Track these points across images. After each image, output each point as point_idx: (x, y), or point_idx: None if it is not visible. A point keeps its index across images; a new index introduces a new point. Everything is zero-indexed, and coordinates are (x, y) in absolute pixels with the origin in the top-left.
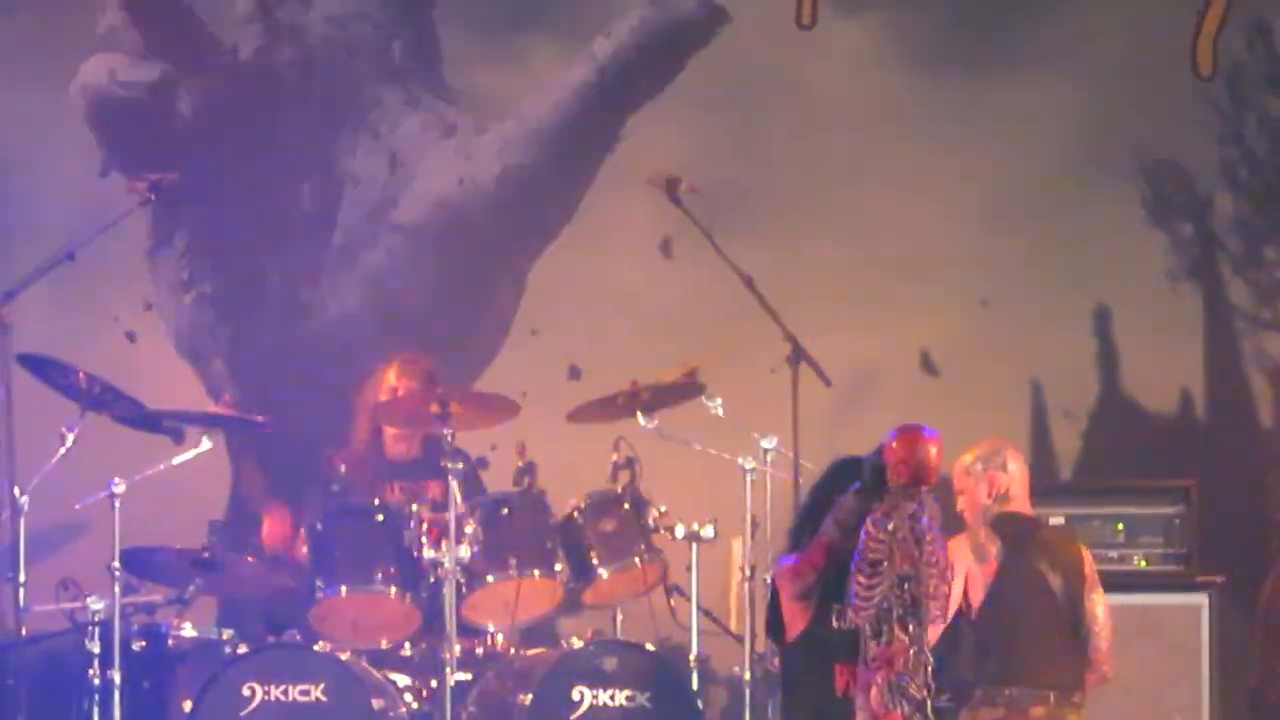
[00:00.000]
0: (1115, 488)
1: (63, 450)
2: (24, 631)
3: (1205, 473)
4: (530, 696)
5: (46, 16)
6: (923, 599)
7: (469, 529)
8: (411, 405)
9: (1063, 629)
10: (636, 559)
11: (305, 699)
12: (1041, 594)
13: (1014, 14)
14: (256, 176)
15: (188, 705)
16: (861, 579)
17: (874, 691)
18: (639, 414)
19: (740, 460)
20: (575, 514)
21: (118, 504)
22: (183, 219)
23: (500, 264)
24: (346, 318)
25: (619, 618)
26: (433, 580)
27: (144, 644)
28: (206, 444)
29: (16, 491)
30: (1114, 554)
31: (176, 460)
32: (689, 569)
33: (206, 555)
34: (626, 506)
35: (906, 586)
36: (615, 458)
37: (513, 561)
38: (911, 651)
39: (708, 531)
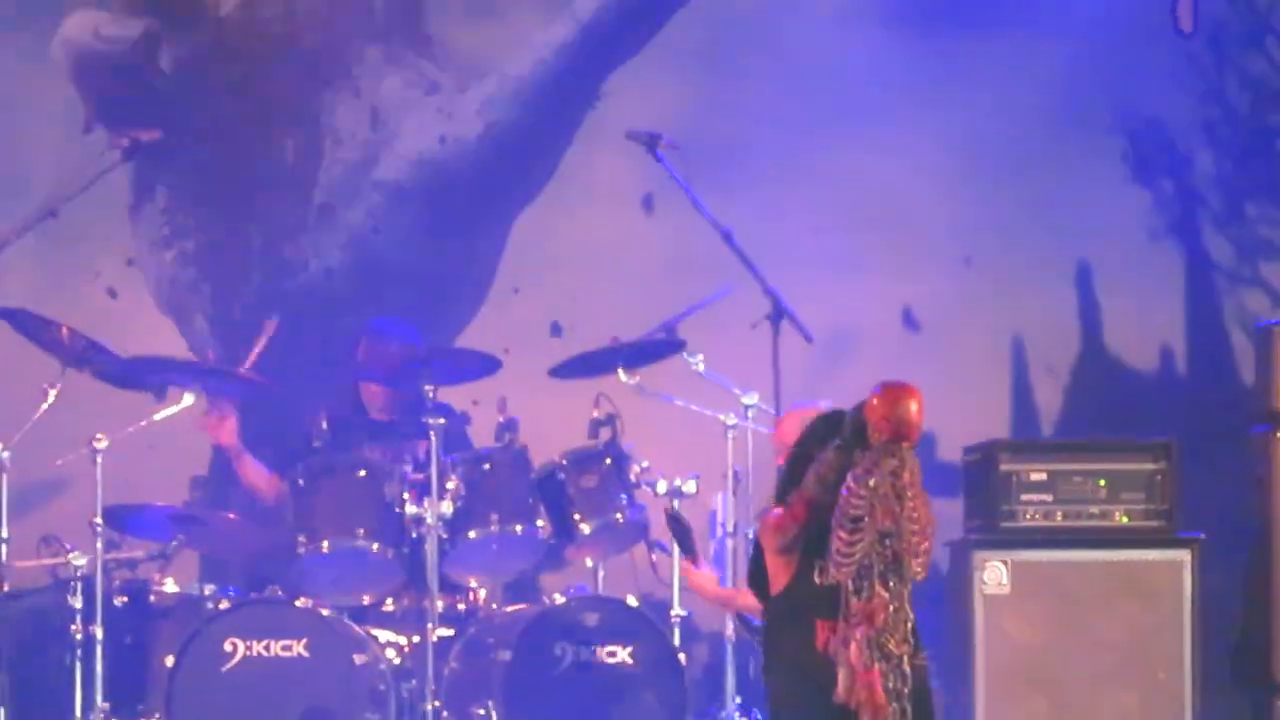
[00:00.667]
0: (1097, 444)
1: (44, 406)
2: (5, 587)
3: (1187, 429)
4: (511, 652)
5: None
6: (904, 555)
7: (451, 485)
8: (394, 362)
9: None
10: (618, 514)
11: (287, 654)
12: None
13: None
14: (238, 133)
15: (169, 661)
16: (843, 535)
17: (854, 647)
18: (620, 370)
19: (721, 416)
20: (557, 470)
21: (100, 460)
22: (164, 175)
23: (481, 222)
24: (328, 274)
25: (600, 573)
26: (415, 536)
27: (126, 599)
28: (189, 400)
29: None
30: (1095, 510)
31: (159, 416)
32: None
33: (188, 511)
34: (608, 462)
35: (888, 543)
36: (596, 414)
37: (494, 517)
38: (892, 608)
39: (690, 487)
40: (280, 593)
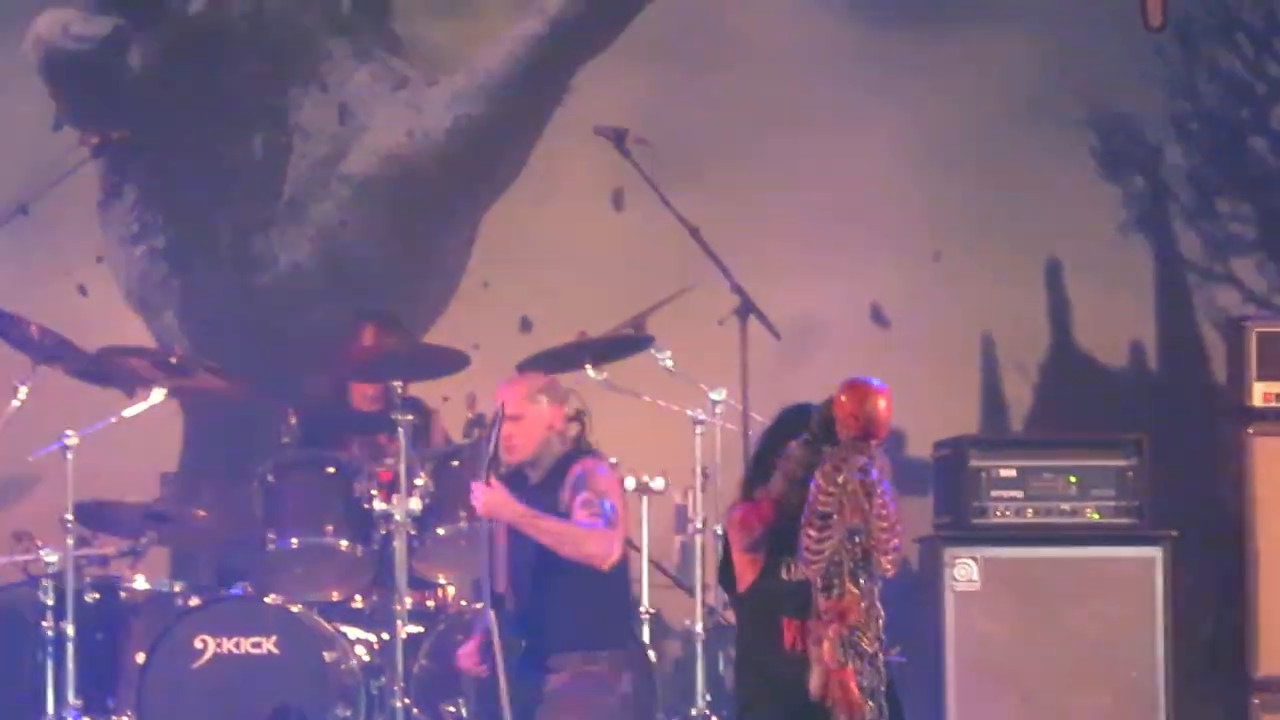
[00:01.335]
0: (1067, 440)
1: (15, 403)
2: None
3: (1157, 425)
4: None
5: None
6: (874, 552)
7: (419, 481)
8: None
9: None
10: None
11: (257, 651)
12: None
13: None
14: (207, 129)
15: (141, 658)
16: (812, 532)
17: (826, 645)
18: (588, 366)
19: (690, 412)
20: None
21: (70, 456)
22: (133, 172)
23: (450, 216)
24: (296, 270)
25: None
26: (384, 532)
27: (97, 596)
28: (159, 396)
29: None
30: (1066, 506)
31: (128, 412)
32: (639, 521)
33: (159, 508)
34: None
35: (857, 540)
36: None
37: (464, 513)
38: (863, 605)
39: (658, 483)
40: (250, 589)
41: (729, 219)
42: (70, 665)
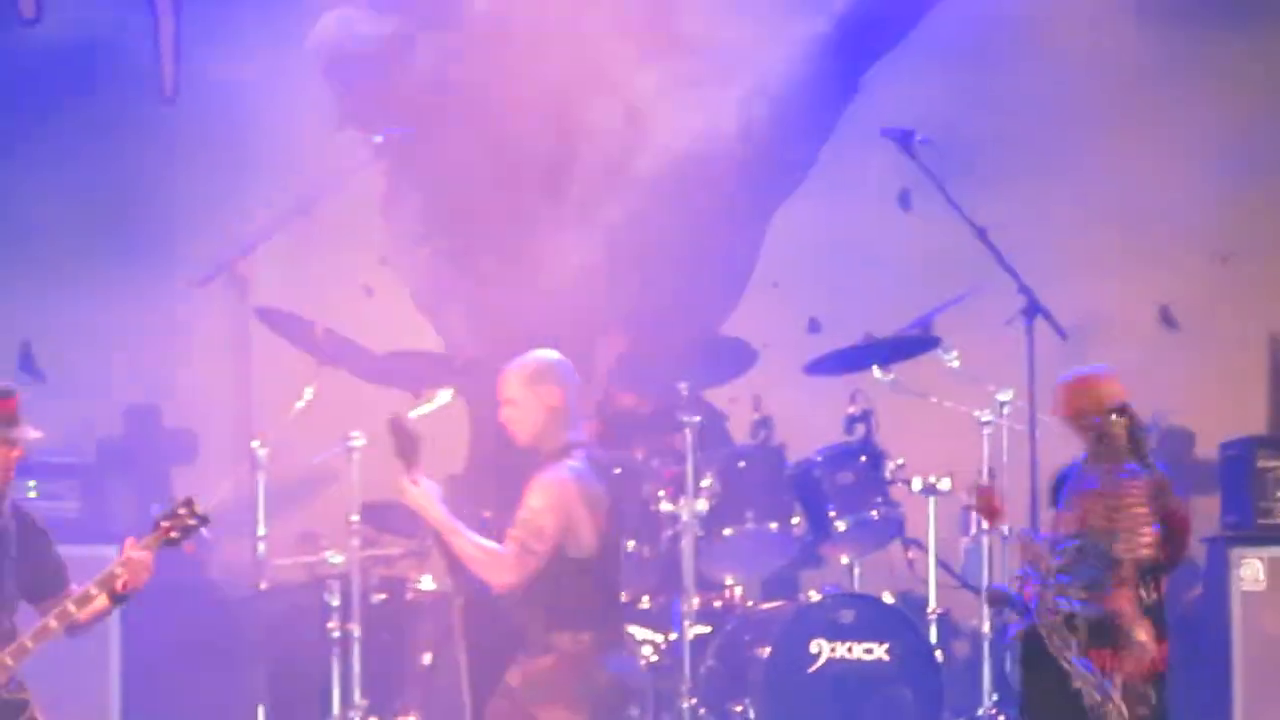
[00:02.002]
0: None
1: (301, 404)
2: (264, 585)
3: None
4: (769, 649)
5: None
6: None
7: (706, 483)
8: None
9: None
10: (873, 511)
11: None
12: None
13: None
14: (492, 130)
15: (427, 658)
16: None
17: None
18: (875, 367)
19: (976, 413)
20: (812, 467)
21: (356, 457)
22: (419, 173)
23: (739, 217)
24: (585, 270)
25: (856, 570)
26: (670, 533)
27: (383, 597)
28: (445, 397)
29: (256, 445)
30: None
31: (414, 413)
32: (927, 520)
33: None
34: (863, 459)
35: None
36: (852, 410)
37: (750, 514)
38: None
39: (944, 484)
40: None
41: (1016, 219)
42: (356, 666)
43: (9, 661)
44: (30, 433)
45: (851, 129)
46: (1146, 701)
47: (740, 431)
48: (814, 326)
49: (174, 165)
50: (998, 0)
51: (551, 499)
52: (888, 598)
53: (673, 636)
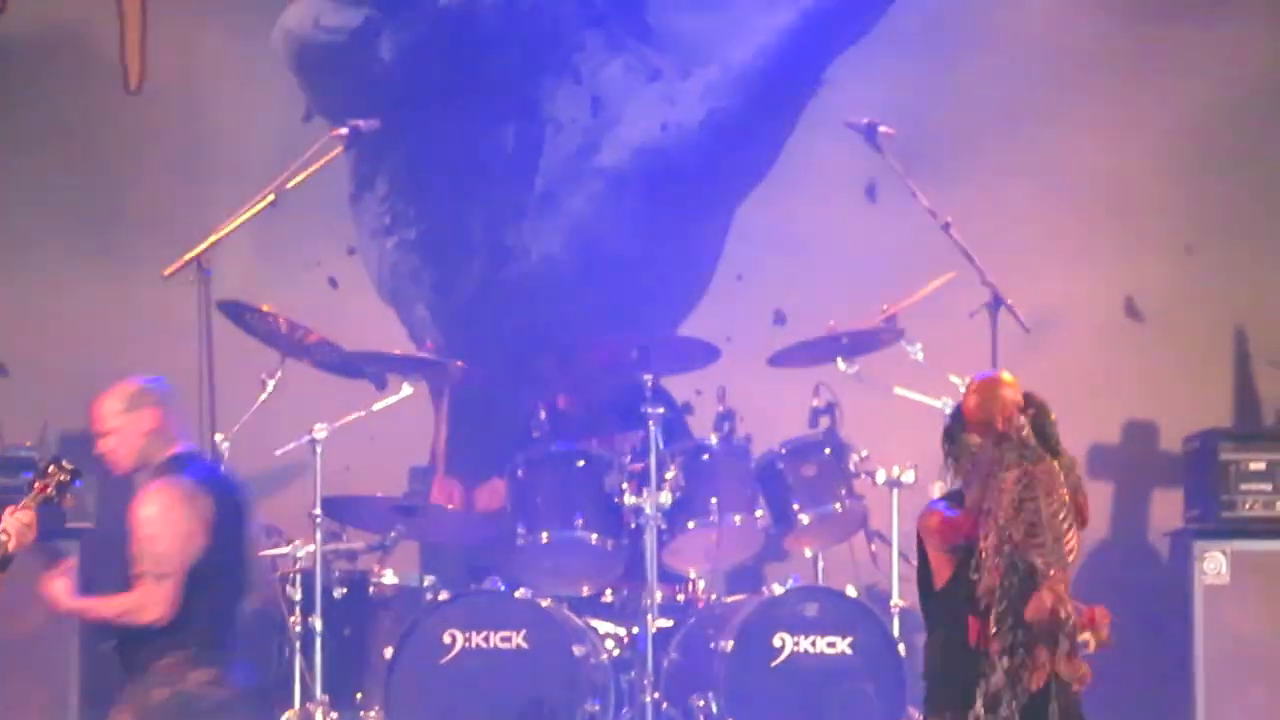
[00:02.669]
0: None
1: (264, 396)
2: None
3: None
4: (731, 643)
5: None
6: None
7: (670, 475)
8: (611, 353)
9: None
10: (837, 504)
11: (506, 645)
12: None
13: None
14: (458, 120)
15: (388, 652)
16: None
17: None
18: (839, 359)
19: (940, 404)
20: (776, 459)
21: (319, 450)
22: (385, 163)
23: (703, 209)
24: (549, 262)
25: (820, 564)
26: (634, 526)
27: (345, 591)
28: (408, 390)
29: (219, 438)
30: None
31: (377, 406)
32: (890, 512)
33: (408, 502)
34: (827, 451)
35: (1005, 547)
36: (816, 403)
37: (713, 507)
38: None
39: (908, 476)
40: (499, 583)
41: (980, 212)
42: (318, 660)
43: None
44: None
45: (817, 122)
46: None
47: (704, 424)
48: (779, 319)
49: (139, 157)
50: None
51: (156, 516)
52: (851, 591)
53: (635, 630)
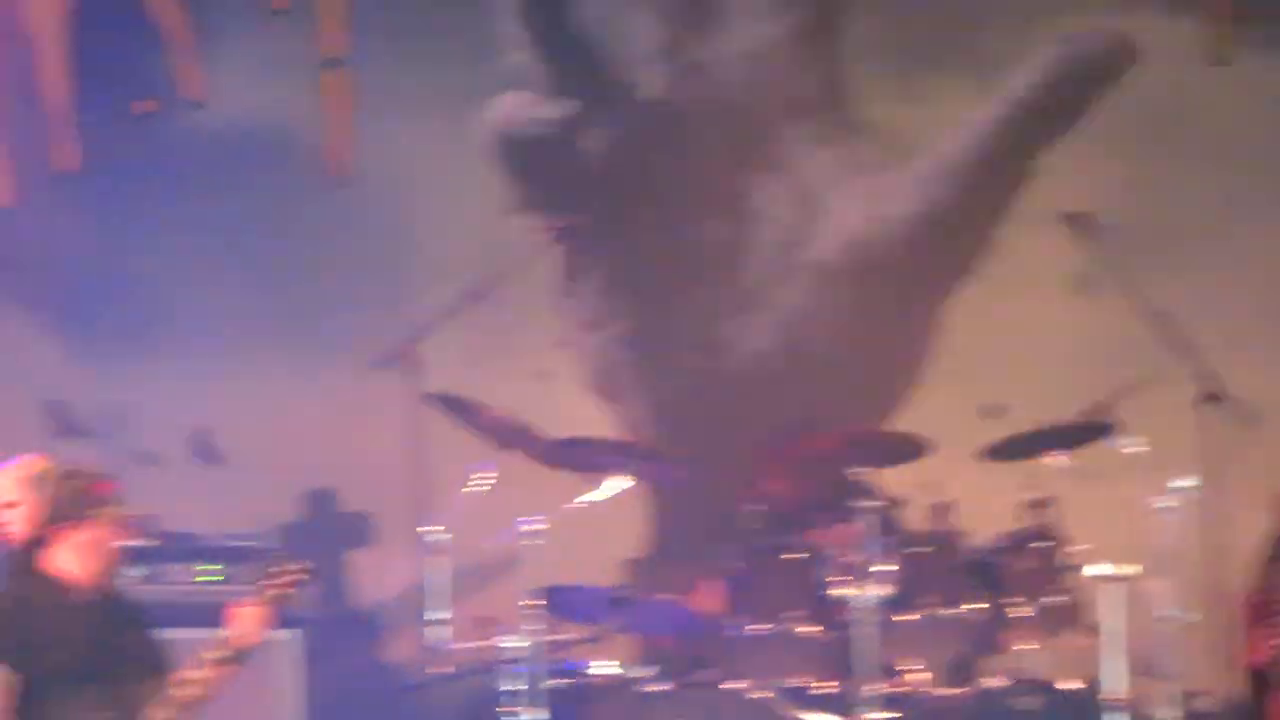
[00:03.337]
0: None
1: (477, 489)
2: (441, 670)
3: None
4: None
5: (452, 54)
6: None
7: (882, 567)
8: (823, 449)
9: None
10: (1051, 598)
11: None
12: None
13: None
14: (665, 214)
15: None
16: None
17: None
18: (1053, 453)
19: (1157, 499)
20: (991, 552)
21: (533, 542)
22: (593, 257)
23: (913, 302)
24: (758, 356)
25: (1039, 657)
26: (846, 618)
27: (561, 681)
28: (624, 482)
29: (434, 530)
30: None
31: (590, 498)
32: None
33: (624, 593)
34: (1041, 544)
35: None
36: (1030, 496)
37: (928, 600)
38: None
39: (1126, 570)
40: (715, 675)
41: (1197, 304)
42: None
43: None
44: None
45: (1028, 213)
46: None
47: (916, 517)
48: (989, 412)
49: (346, 248)
50: (1170, 83)
51: None
52: (1071, 685)
53: None
